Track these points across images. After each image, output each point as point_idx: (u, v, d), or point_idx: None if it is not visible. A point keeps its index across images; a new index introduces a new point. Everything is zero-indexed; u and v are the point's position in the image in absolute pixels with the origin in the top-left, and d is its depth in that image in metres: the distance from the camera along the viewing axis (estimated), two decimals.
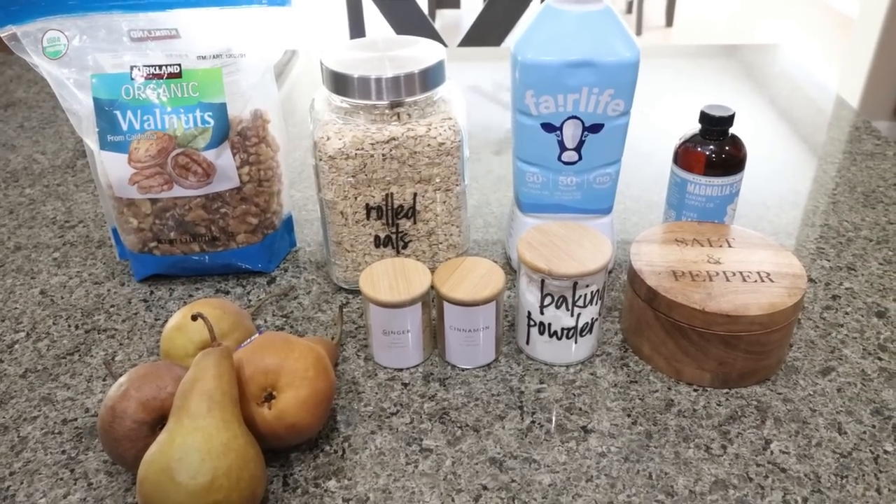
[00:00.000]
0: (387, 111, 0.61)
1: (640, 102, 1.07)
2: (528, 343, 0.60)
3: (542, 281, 0.56)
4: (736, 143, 0.67)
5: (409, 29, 1.40)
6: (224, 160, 0.65)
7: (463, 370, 0.60)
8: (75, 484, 0.51)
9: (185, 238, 0.68)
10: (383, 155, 0.61)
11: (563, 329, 0.58)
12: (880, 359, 0.60)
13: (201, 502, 0.42)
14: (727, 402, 0.56)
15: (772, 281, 0.57)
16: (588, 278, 0.55)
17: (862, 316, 0.65)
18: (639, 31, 3.87)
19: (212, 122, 0.64)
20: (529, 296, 0.58)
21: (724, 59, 1.25)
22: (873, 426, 0.54)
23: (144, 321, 0.66)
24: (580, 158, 0.64)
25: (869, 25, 2.58)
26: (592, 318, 0.58)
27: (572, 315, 0.57)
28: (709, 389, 0.57)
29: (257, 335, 0.53)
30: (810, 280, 0.70)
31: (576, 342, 0.59)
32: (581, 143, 0.63)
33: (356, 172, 0.61)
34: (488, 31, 1.42)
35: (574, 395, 0.57)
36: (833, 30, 3.71)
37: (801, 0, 4.18)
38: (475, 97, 1.13)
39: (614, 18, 0.59)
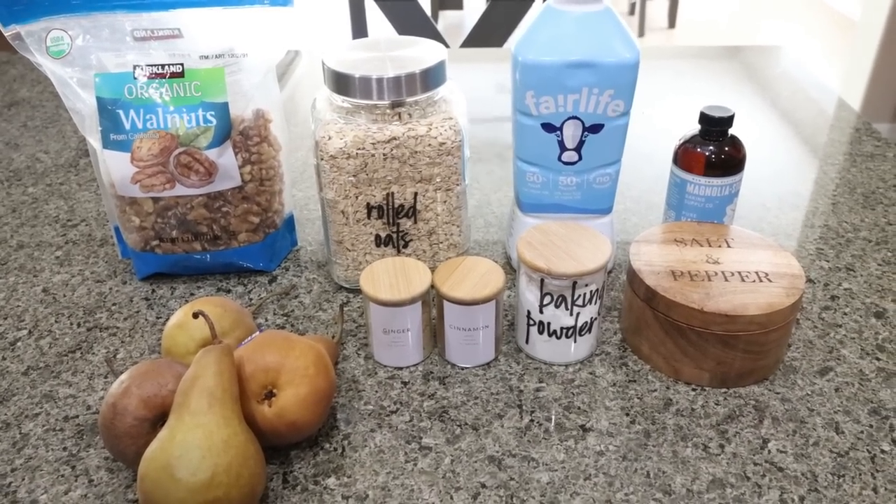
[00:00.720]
0: (388, 111, 0.61)
1: (641, 103, 1.07)
2: (527, 342, 0.61)
3: (542, 280, 0.56)
4: (735, 143, 0.67)
5: (412, 30, 1.41)
6: (226, 159, 0.65)
7: (462, 369, 0.60)
8: (76, 480, 0.51)
9: (187, 237, 0.68)
10: (384, 154, 0.61)
11: (562, 328, 0.58)
12: (878, 359, 0.60)
13: (201, 499, 0.43)
14: (725, 401, 0.56)
15: (770, 281, 0.57)
16: (587, 278, 0.56)
17: (860, 316, 0.65)
18: (641, 33, 3.87)
19: (214, 121, 0.64)
20: (529, 295, 0.58)
21: (726, 60, 1.26)
22: (871, 426, 0.54)
23: (146, 319, 0.67)
24: (580, 159, 0.64)
25: (871, 27, 2.58)
26: (591, 318, 0.58)
27: (571, 314, 0.57)
28: (707, 389, 0.57)
29: (258, 333, 0.53)
30: (809, 280, 0.70)
31: (575, 341, 0.59)
32: (581, 143, 0.63)
33: (357, 172, 0.62)
34: (490, 33, 1.43)
35: (573, 394, 0.57)
36: (835, 31, 3.71)
37: (803, 2, 4.18)
38: (476, 97, 1.13)
39: (614, 19, 0.59)
